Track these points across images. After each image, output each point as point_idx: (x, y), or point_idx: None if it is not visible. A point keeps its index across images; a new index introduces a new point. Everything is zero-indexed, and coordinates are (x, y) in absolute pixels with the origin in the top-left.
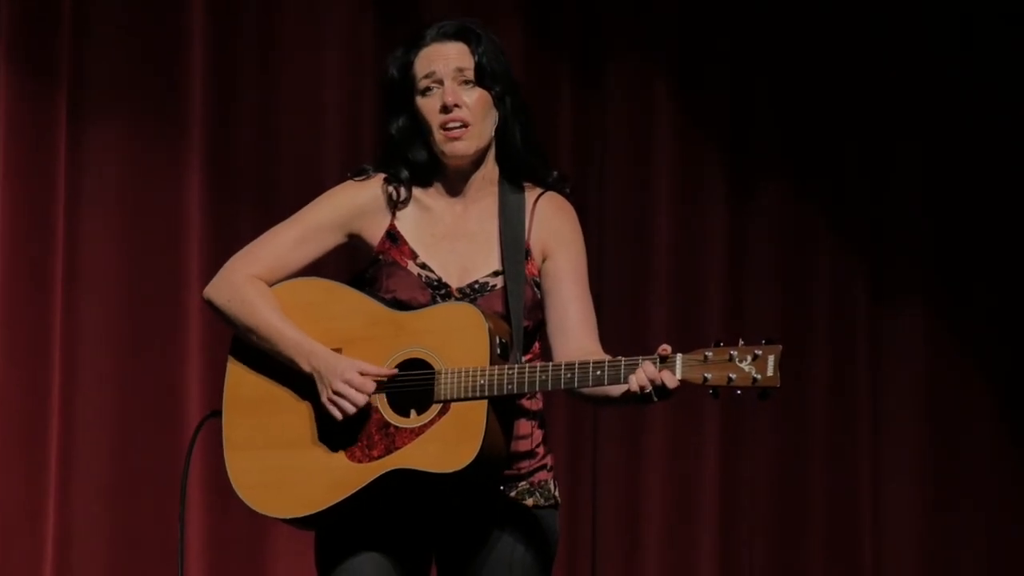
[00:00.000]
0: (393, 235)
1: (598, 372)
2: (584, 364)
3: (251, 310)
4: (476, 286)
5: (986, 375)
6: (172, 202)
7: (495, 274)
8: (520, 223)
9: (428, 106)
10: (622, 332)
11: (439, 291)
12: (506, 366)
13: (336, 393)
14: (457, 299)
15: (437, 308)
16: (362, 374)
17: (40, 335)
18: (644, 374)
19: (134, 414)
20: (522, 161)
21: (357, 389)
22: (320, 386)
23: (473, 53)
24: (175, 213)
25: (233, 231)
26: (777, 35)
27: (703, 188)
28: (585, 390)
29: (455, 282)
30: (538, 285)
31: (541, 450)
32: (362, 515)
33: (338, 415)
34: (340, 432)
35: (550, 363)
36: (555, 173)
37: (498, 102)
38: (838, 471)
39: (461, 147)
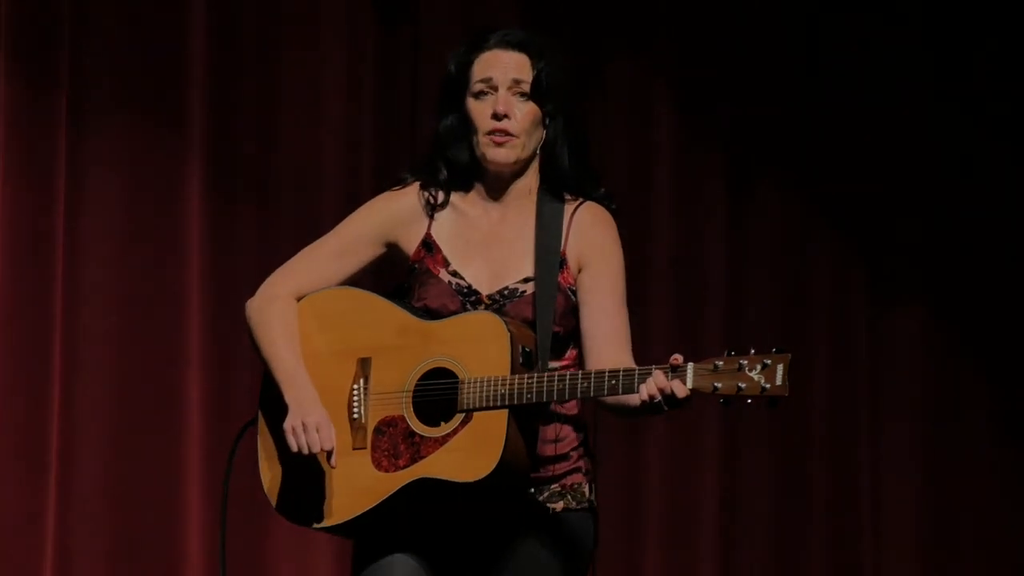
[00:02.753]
0: (428, 243)
1: (612, 381)
2: (600, 374)
3: (265, 330)
4: (506, 292)
5: (986, 375)
6: (172, 202)
7: (526, 280)
8: (556, 231)
9: (478, 109)
10: None
11: (469, 298)
12: (526, 375)
13: (303, 426)
14: (487, 306)
15: (461, 317)
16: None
17: (40, 335)
18: (654, 383)
19: (134, 415)
20: (566, 180)
21: (322, 438)
22: (291, 414)
23: (533, 67)
24: (175, 213)
25: (233, 231)
26: (777, 35)
27: (703, 188)
28: (608, 400)
29: (485, 288)
30: (574, 293)
31: (576, 453)
32: (391, 522)
33: (294, 446)
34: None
35: (567, 373)
36: (602, 190)
37: (548, 120)
38: (838, 471)
39: (502, 154)
